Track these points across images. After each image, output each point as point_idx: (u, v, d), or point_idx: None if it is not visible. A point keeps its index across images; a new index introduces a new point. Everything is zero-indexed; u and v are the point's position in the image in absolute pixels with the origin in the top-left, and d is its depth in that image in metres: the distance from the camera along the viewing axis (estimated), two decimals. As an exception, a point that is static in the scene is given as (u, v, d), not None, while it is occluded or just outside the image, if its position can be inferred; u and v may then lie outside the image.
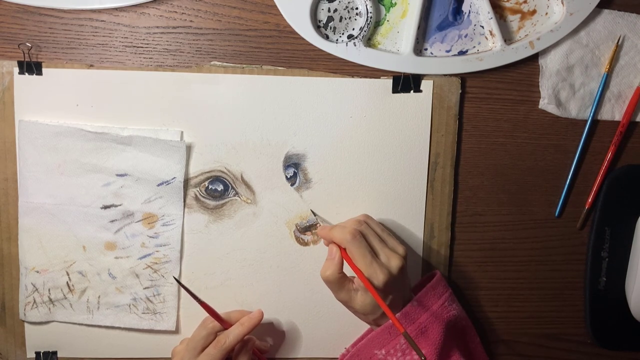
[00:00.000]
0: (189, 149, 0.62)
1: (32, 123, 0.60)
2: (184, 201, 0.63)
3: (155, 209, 0.62)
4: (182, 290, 0.63)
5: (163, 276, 0.64)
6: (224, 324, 0.60)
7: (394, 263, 0.56)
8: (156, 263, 0.63)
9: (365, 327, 0.64)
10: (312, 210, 0.64)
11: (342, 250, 0.57)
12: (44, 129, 0.60)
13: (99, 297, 0.64)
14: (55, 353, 0.65)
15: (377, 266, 0.55)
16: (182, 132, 0.62)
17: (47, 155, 0.61)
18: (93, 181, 0.62)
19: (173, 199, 0.62)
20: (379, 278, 0.55)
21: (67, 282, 0.63)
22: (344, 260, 0.57)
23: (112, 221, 0.62)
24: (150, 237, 0.63)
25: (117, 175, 0.61)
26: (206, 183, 0.63)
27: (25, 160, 0.61)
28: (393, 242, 0.59)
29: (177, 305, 0.65)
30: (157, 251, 0.63)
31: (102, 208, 0.62)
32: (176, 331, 0.65)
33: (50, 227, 0.62)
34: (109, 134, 0.61)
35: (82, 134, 0.61)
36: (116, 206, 0.62)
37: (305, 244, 0.65)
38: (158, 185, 0.62)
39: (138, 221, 0.62)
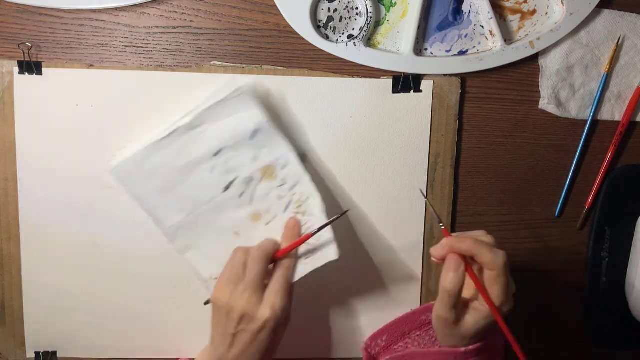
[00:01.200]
0: (252, 91, 0.60)
1: (121, 164, 0.60)
2: (281, 136, 0.61)
3: (266, 160, 0.61)
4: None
5: (312, 214, 0.61)
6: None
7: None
8: (300, 205, 0.61)
9: (377, 326, 0.63)
10: (432, 208, 0.60)
11: (468, 266, 0.52)
12: (131, 164, 0.60)
13: None
14: (55, 353, 0.65)
15: (509, 295, 0.52)
16: (234, 79, 0.61)
17: (149, 181, 0.60)
18: (200, 175, 0.61)
19: (273, 141, 0.60)
20: (509, 306, 0.52)
21: None
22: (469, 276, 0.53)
23: (241, 195, 0.61)
24: (279, 187, 0.61)
25: (214, 155, 0.60)
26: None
27: (142, 199, 0.61)
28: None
29: (332, 236, 0.60)
30: (293, 195, 0.61)
31: (224, 191, 0.61)
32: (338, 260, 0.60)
33: (203, 232, 0.62)
34: (177, 129, 0.59)
35: (161, 145, 0.60)
36: (233, 181, 0.61)
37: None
38: (251, 139, 0.60)
39: (260, 180, 0.61)
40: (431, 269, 0.67)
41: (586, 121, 0.67)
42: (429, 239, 0.66)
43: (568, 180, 0.68)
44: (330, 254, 0.60)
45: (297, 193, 0.61)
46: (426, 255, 0.67)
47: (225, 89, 0.59)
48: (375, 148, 0.64)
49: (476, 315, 0.52)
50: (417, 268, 0.67)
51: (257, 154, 0.60)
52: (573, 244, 0.69)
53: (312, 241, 0.60)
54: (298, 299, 0.66)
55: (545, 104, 0.66)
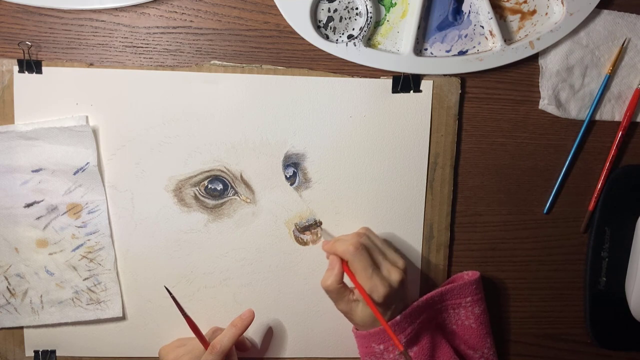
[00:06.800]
0: (96, 132, 0.61)
1: None
2: (104, 185, 0.62)
3: (77, 198, 0.62)
4: (122, 274, 0.64)
5: (100, 264, 0.63)
6: (204, 342, 0.60)
7: (395, 277, 0.57)
8: (90, 252, 0.63)
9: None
10: (321, 228, 0.65)
11: (344, 263, 0.58)
12: None
13: (41, 296, 0.63)
14: (54, 352, 0.65)
15: (378, 280, 0.56)
16: (87, 117, 0.61)
17: None
18: (10, 182, 0.61)
19: (92, 185, 0.62)
20: (380, 292, 0.56)
21: (7, 287, 0.63)
22: (345, 273, 0.58)
23: (38, 218, 0.62)
24: (78, 227, 0.62)
25: (33, 171, 0.61)
26: (205, 182, 0.63)
27: None
28: (393, 255, 0.59)
29: (119, 291, 0.64)
30: (88, 240, 0.63)
31: (25, 207, 0.62)
32: (123, 317, 0.65)
33: None
34: (13, 131, 0.60)
35: None
36: (38, 202, 0.62)
37: (304, 243, 0.65)
38: (74, 173, 0.61)
39: (63, 213, 0.62)
40: (430, 268, 0.67)
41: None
42: (429, 239, 0.66)
43: (559, 179, 0.67)
44: (114, 310, 0.64)
45: (93, 240, 0.63)
46: (425, 256, 0.67)
47: (80, 120, 0.61)
48: (374, 148, 0.64)
49: (361, 303, 0.58)
50: (416, 268, 0.67)
51: (72, 188, 0.61)
52: (573, 244, 0.69)
53: (101, 294, 0.64)
54: (298, 296, 0.66)
55: (545, 104, 0.66)
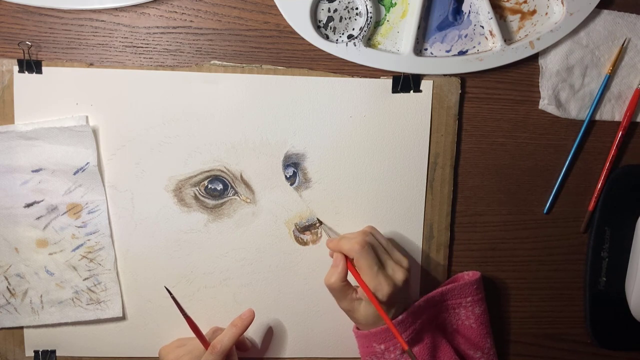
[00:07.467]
0: (96, 132, 0.61)
1: None
2: (104, 185, 0.62)
3: (77, 198, 0.62)
4: (122, 274, 0.64)
5: (100, 264, 0.63)
6: (204, 342, 0.60)
7: (399, 276, 0.57)
8: (90, 252, 0.63)
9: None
10: (323, 225, 0.64)
11: (348, 261, 0.58)
12: None
13: (41, 296, 0.63)
14: (54, 352, 0.65)
15: (382, 278, 0.56)
16: (87, 117, 0.61)
17: None
18: (10, 182, 0.61)
19: (92, 185, 0.62)
20: (384, 290, 0.56)
21: (7, 287, 0.63)
22: (349, 271, 0.58)
23: (38, 218, 0.62)
24: (78, 227, 0.62)
25: (33, 171, 0.61)
26: (205, 182, 0.63)
27: None
28: (398, 254, 0.60)
29: (119, 291, 0.64)
30: (88, 240, 0.63)
31: (25, 207, 0.62)
32: (123, 317, 0.65)
33: None
34: (13, 131, 0.60)
35: None
36: (38, 202, 0.62)
37: (304, 243, 0.65)
38: (74, 173, 0.61)
39: (63, 213, 0.62)
40: (430, 268, 0.67)
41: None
42: (429, 239, 0.66)
43: (559, 179, 0.67)
44: (114, 310, 0.64)
45: (93, 240, 0.63)
46: (425, 256, 0.67)
47: (80, 120, 0.61)
48: (374, 148, 0.64)
49: (364, 301, 0.58)
50: (416, 267, 0.67)
51: (72, 188, 0.61)
52: (573, 244, 0.69)
53: (101, 294, 0.63)
54: (298, 296, 0.66)
55: (545, 104, 0.66)
